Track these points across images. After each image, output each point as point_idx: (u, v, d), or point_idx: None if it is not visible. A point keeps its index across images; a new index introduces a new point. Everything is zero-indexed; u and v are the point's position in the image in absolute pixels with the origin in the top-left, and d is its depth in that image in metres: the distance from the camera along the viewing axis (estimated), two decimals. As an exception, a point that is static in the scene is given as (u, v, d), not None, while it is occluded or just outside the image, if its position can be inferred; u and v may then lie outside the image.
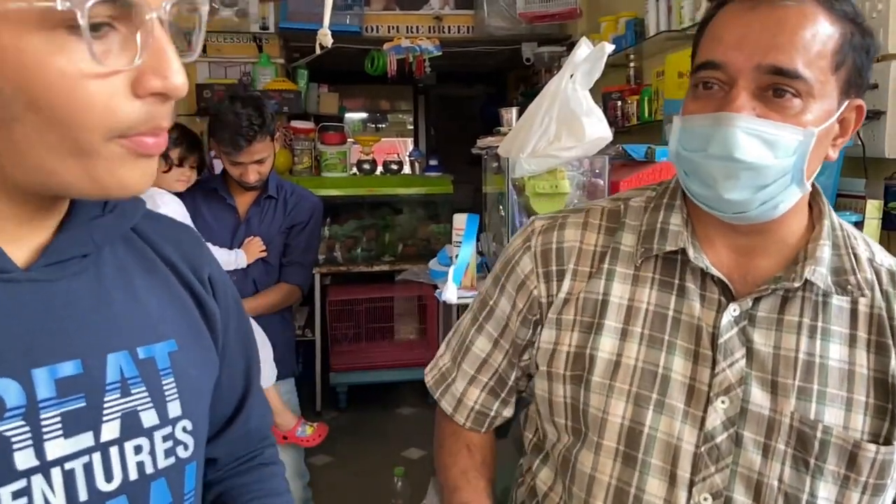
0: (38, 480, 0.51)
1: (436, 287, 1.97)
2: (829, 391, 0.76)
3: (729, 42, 0.73)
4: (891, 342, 0.78)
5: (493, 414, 0.96)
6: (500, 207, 1.81)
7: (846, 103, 0.75)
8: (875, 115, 1.62)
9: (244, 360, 0.78)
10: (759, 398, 0.77)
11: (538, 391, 0.88)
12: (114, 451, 0.56)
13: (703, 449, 0.77)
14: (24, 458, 0.50)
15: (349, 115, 6.06)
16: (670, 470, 0.78)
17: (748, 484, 0.76)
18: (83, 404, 0.54)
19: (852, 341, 0.78)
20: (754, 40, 0.71)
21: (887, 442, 0.76)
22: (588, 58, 1.43)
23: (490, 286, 0.96)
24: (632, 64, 3.10)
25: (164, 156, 1.94)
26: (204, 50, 3.94)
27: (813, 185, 0.81)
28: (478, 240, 1.92)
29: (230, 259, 2.03)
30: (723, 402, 0.77)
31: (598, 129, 1.48)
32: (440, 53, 3.94)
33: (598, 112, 1.50)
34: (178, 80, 0.50)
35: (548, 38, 4.04)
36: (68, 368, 0.54)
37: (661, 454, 0.79)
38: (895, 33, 1.60)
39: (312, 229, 2.21)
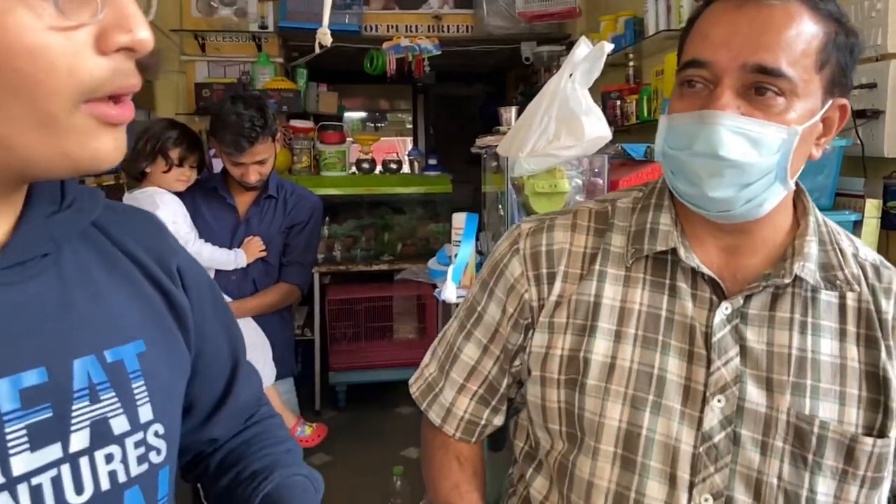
0: (3, 498, 0.48)
1: (435, 286, 1.97)
2: (822, 386, 0.77)
3: (714, 40, 0.74)
4: (879, 335, 0.79)
5: (483, 423, 0.93)
6: (500, 206, 1.81)
7: (830, 102, 0.76)
8: (874, 115, 1.63)
9: (227, 339, 0.76)
10: (754, 395, 0.77)
11: (530, 397, 0.87)
12: (84, 461, 0.53)
13: (701, 449, 0.77)
14: None
15: (348, 115, 6.06)
16: (670, 472, 0.78)
17: (748, 483, 0.76)
18: (50, 414, 0.51)
19: (842, 336, 0.79)
20: (740, 39, 0.72)
21: (881, 434, 0.76)
22: (587, 57, 1.43)
23: (478, 292, 0.94)
24: (631, 63, 3.11)
25: (165, 156, 1.94)
26: (203, 49, 3.96)
27: (796, 183, 0.82)
28: (477, 239, 1.92)
29: (230, 259, 2.03)
30: (719, 400, 0.77)
31: (597, 129, 1.48)
32: (439, 53, 3.93)
33: (598, 111, 1.50)
34: (145, 33, 0.48)
35: (547, 38, 4.04)
36: (32, 377, 0.50)
37: (659, 456, 0.78)
38: (894, 33, 1.60)
39: (312, 229, 2.21)
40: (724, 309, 0.79)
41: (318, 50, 2.08)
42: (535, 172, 1.56)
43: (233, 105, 1.93)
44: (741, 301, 0.79)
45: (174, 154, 1.95)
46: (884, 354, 0.78)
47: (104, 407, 0.55)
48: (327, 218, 3.90)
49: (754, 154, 0.72)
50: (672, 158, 0.78)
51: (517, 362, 0.90)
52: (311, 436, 2.21)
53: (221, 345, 0.75)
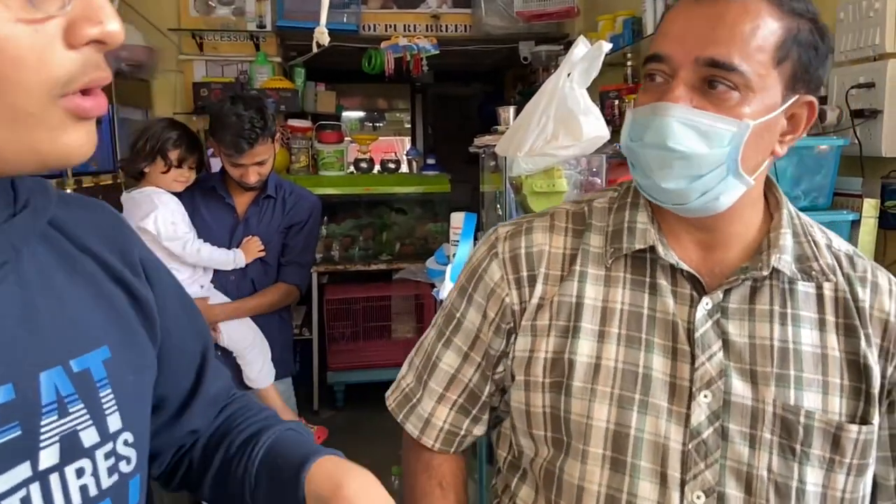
0: None
1: (433, 286, 1.97)
2: (805, 376, 0.77)
3: (672, 35, 0.75)
4: (858, 323, 0.79)
5: (463, 433, 0.92)
6: (498, 206, 1.81)
7: (794, 99, 0.76)
8: (872, 114, 1.63)
9: (194, 332, 0.74)
10: (740, 389, 0.77)
11: (514, 403, 0.86)
12: (54, 478, 0.50)
13: (690, 446, 0.77)
14: None
15: (346, 114, 6.06)
16: (660, 471, 0.77)
17: (738, 477, 0.77)
18: (18, 433, 0.48)
19: (822, 325, 0.80)
20: (694, 34, 0.73)
21: (864, 421, 0.77)
22: (585, 56, 1.43)
23: (456, 298, 0.92)
24: (629, 63, 3.10)
25: (164, 156, 1.93)
26: (200, 48, 3.95)
27: (767, 177, 0.83)
28: (475, 238, 1.92)
29: (228, 259, 2.03)
30: (705, 396, 0.77)
31: (595, 128, 1.48)
32: (438, 52, 3.93)
33: (596, 111, 1.50)
34: (114, 25, 0.47)
35: (545, 37, 4.04)
36: None
37: (649, 455, 0.78)
38: (892, 32, 1.60)
39: (311, 229, 2.21)
40: (705, 304, 0.79)
41: (315, 49, 2.08)
42: (534, 172, 1.56)
43: (232, 106, 1.93)
44: (721, 295, 0.79)
45: (174, 155, 1.95)
46: (863, 342, 0.79)
47: (73, 420, 0.53)
48: (325, 217, 3.90)
49: (703, 146, 0.73)
50: (630, 150, 0.79)
51: (500, 368, 0.89)
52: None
53: (188, 337, 0.72)
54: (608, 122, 1.55)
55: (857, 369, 0.78)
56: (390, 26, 4.09)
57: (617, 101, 3.03)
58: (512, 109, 1.96)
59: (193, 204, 2.05)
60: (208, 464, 0.74)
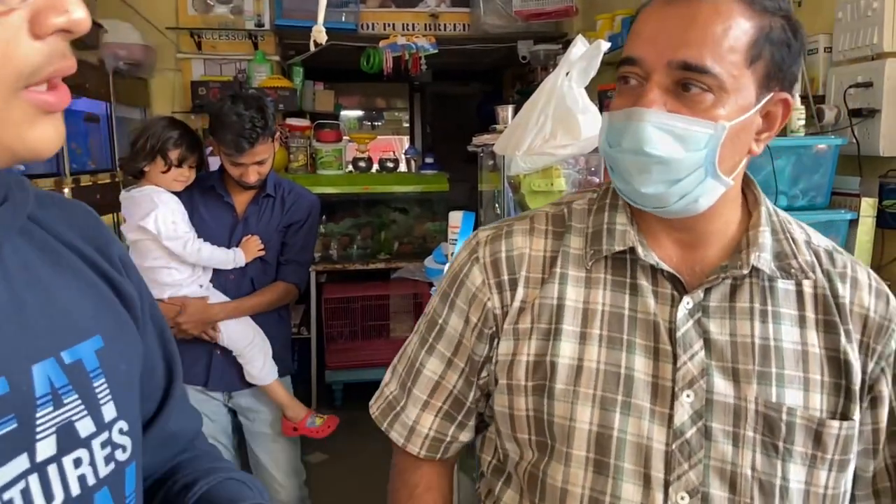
0: None
1: (431, 285, 1.97)
2: (786, 373, 0.78)
3: (645, 37, 0.75)
4: (837, 319, 0.79)
5: (448, 439, 0.91)
6: (496, 205, 1.81)
7: (768, 97, 0.76)
8: (870, 113, 1.63)
9: (163, 355, 0.72)
10: (722, 387, 0.77)
11: (498, 407, 0.86)
12: (52, 469, 0.51)
13: (674, 446, 0.77)
14: None
15: (345, 113, 6.05)
16: (644, 472, 0.77)
17: (723, 476, 0.76)
18: (14, 426, 0.49)
19: (802, 322, 0.80)
20: (666, 36, 0.73)
21: (844, 417, 0.77)
22: (584, 56, 1.43)
23: (438, 304, 0.92)
24: (627, 62, 3.10)
25: (164, 156, 1.93)
26: (199, 47, 3.95)
27: (745, 175, 0.83)
28: (474, 238, 1.92)
29: (229, 258, 2.02)
30: (688, 395, 0.77)
31: (593, 127, 1.48)
32: (436, 51, 3.93)
33: (594, 110, 1.50)
34: (80, 13, 0.46)
35: (544, 36, 4.04)
36: None
37: (632, 457, 0.77)
38: (889, 32, 1.61)
39: (310, 228, 2.20)
40: (686, 303, 0.79)
41: (313, 48, 2.07)
42: (532, 171, 1.56)
43: (233, 105, 1.92)
44: (702, 294, 0.79)
45: (174, 155, 1.94)
46: (843, 338, 0.79)
47: (68, 410, 0.53)
48: (323, 216, 3.90)
49: (680, 150, 0.73)
50: (609, 155, 0.79)
51: (484, 373, 0.88)
52: (321, 427, 2.21)
53: (155, 358, 0.71)
54: (606, 122, 1.55)
55: (837, 365, 0.78)
56: (389, 25, 4.08)
57: (615, 101, 3.03)
58: (510, 108, 1.96)
59: (192, 203, 2.05)
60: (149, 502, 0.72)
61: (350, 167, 4.12)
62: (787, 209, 1.61)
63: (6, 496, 0.47)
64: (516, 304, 0.84)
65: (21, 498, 0.48)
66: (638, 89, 0.75)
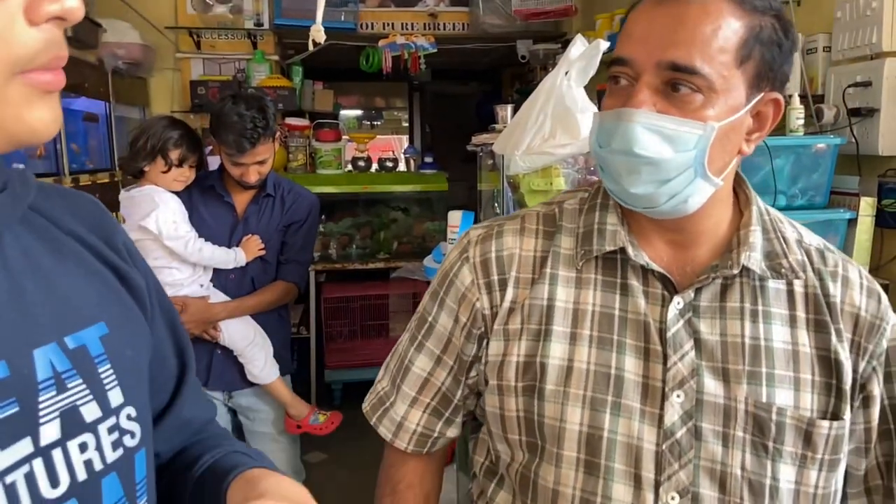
0: None
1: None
2: (777, 373, 0.77)
3: (635, 37, 0.75)
4: (828, 318, 0.79)
5: (435, 435, 0.92)
6: (496, 205, 1.81)
7: (759, 97, 0.75)
8: (868, 113, 1.63)
9: (174, 344, 0.72)
10: (712, 387, 0.77)
11: (489, 408, 0.86)
12: (57, 453, 0.51)
13: (664, 447, 0.77)
14: None
15: (344, 112, 6.04)
16: (634, 473, 0.77)
17: (713, 476, 0.76)
18: (16, 409, 0.49)
19: (793, 322, 0.79)
20: (656, 37, 0.72)
21: (835, 417, 0.77)
22: (583, 55, 1.43)
23: (428, 302, 0.92)
24: (627, 61, 3.10)
25: (164, 156, 1.92)
26: (198, 46, 3.94)
27: (737, 174, 0.83)
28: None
29: (229, 258, 2.02)
30: (678, 396, 0.77)
31: (593, 127, 1.48)
32: (435, 50, 3.93)
33: (593, 109, 1.50)
34: (74, 1, 0.47)
35: (543, 36, 4.04)
36: None
37: (623, 458, 0.77)
38: (888, 31, 1.61)
39: (310, 227, 2.21)
40: (677, 303, 0.79)
41: (312, 47, 2.07)
42: (531, 170, 1.56)
43: (234, 105, 1.92)
44: (692, 294, 0.79)
45: (174, 155, 1.94)
46: (834, 338, 0.79)
47: (72, 395, 0.53)
48: (323, 216, 3.90)
49: (669, 151, 0.73)
50: (599, 156, 0.79)
51: (473, 373, 0.88)
52: (325, 423, 2.21)
53: (166, 348, 0.71)
54: (606, 121, 1.55)
55: (827, 365, 0.78)
56: (388, 24, 4.08)
57: (614, 100, 3.03)
58: (509, 108, 1.96)
59: (192, 203, 2.05)
60: (157, 483, 0.73)
61: (349, 167, 4.11)
62: (786, 208, 1.62)
63: (9, 479, 0.47)
64: (506, 304, 0.84)
65: (25, 482, 0.48)
66: (628, 89, 0.75)
